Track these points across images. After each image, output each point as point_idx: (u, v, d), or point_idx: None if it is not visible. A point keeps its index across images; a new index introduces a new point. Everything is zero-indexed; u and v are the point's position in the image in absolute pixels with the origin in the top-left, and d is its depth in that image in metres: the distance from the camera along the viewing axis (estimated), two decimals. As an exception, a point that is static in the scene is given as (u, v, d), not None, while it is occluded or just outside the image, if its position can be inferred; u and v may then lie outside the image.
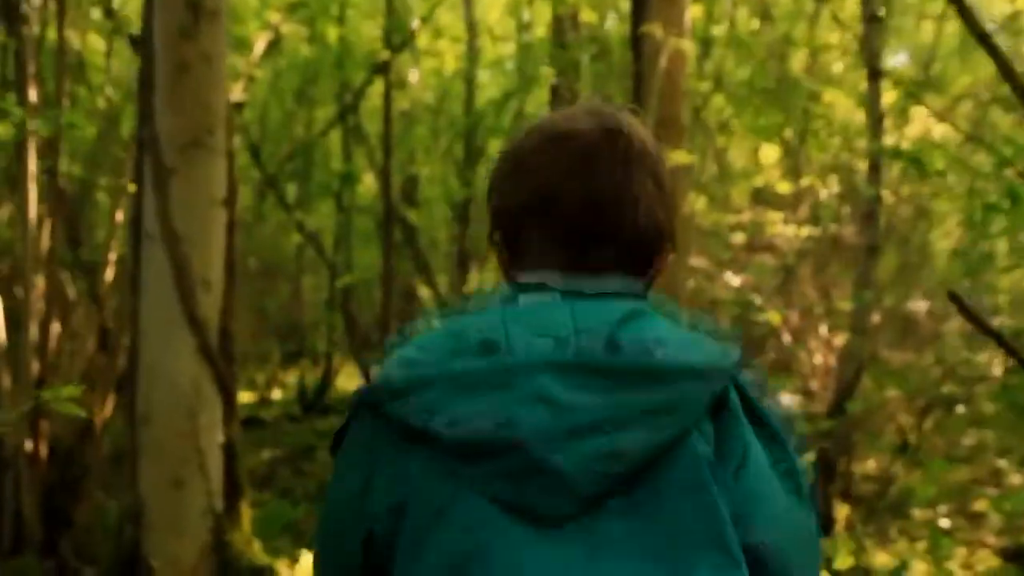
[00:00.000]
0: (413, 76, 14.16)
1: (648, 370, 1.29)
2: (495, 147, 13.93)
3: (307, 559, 6.48)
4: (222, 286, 5.46)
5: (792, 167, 10.12)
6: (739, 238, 10.19)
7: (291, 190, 14.28)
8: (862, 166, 9.74)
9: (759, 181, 10.24)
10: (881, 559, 5.96)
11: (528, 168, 1.47)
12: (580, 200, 1.43)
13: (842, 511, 6.72)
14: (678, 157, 6.70)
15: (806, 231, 9.93)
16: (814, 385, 8.98)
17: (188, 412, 5.25)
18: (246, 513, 5.54)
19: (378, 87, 11.55)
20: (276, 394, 15.36)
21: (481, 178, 12.00)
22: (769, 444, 1.37)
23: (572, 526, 1.25)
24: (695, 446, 1.28)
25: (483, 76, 14.73)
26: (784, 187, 9.88)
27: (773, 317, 9.08)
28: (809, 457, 8.00)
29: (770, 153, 4.87)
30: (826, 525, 6.34)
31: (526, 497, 1.25)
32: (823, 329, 9.28)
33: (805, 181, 9.87)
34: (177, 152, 5.29)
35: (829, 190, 9.99)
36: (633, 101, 9.06)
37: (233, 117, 5.48)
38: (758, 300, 9.36)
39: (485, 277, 13.02)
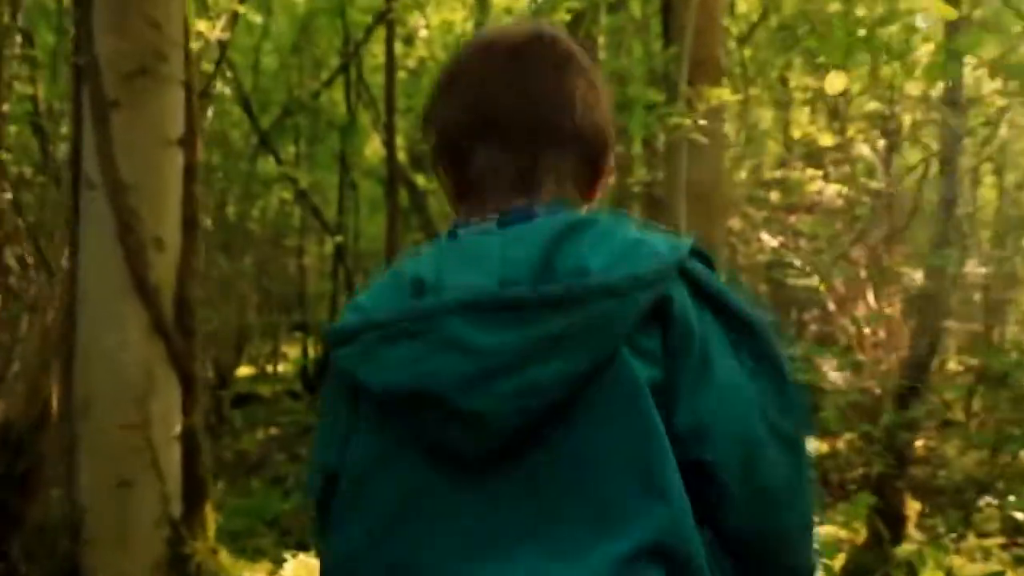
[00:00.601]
0: (422, 33, 13.09)
1: (561, 297, 1.20)
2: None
3: (293, 564, 5.51)
4: (179, 246, 4.45)
5: (833, 118, 9.07)
6: (774, 196, 9.15)
7: (293, 152, 13.39)
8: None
9: (796, 134, 9.18)
10: (971, 571, 4.96)
11: (462, 81, 1.44)
12: (516, 103, 1.39)
13: (913, 507, 5.72)
14: (719, 96, 5.70)
15: (847, 188, 8.91)
16: (862, 358, 7.94)
17: (137, 399, 4.25)
18: (210, 518, 4.52)
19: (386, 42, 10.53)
20: (281, 368, 14.47)
21: None
22: (737, 333, 1.30)
23: (500, 469, 1.23)
24: (628, 369, 1.22)
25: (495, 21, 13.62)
26: (827, 139, 8.82)
27: (816, 283, 8.07)
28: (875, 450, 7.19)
29: (836, 82, 4.03)
30: (898, 526, 5.37)
31: (450, 444, 1.24)
32: (871, 296, 8.24)
33: (850, 133, 8.82)
34: (120, 81, 4.27)
35: (874, 144, 8.89)
36: (664, 40, 8.05)
37: (190, 41, 4.40)
38: (798, 263, 8.32)
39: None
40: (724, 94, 5.61)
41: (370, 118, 12.24)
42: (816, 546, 1.37)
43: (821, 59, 7.24)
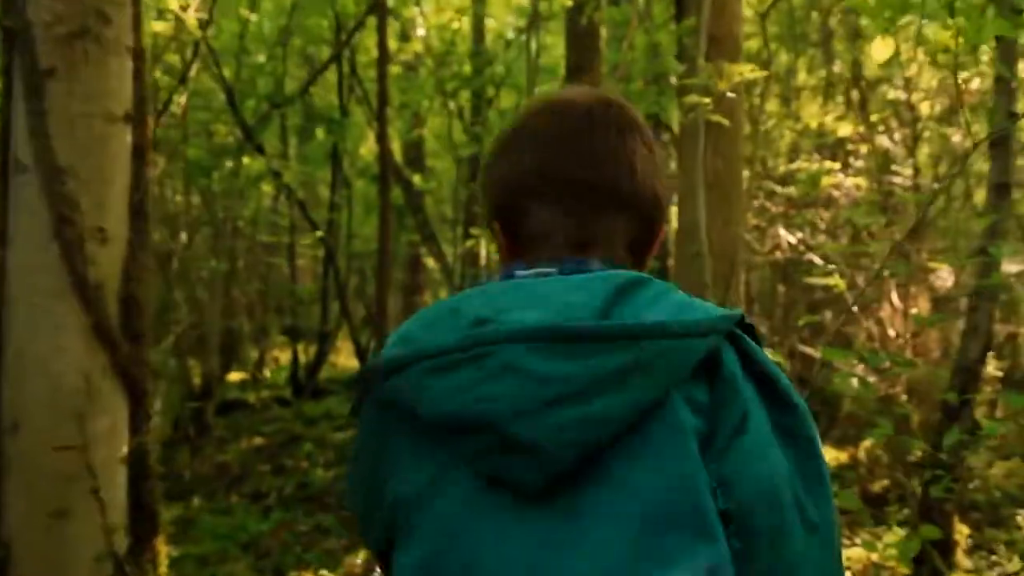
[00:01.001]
0: (419, 31, 12.49)
1: (618, 331, 1.22)
2: (507, 99, 12.51)
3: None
4: (125, 238, 3.81)
5: (848, 105, 8.44)
6: (788, 190, 8.51)
7: (282, 149, 12.75)
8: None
9: (811, 123, 8.54)
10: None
11: (527, 140, 1.49)
12: (579, 163, 1.44)
13: (961, 531, 5.09)
14: (741, 72, 5.08)
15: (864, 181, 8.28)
16: (915, 359, 7.31)
17: (75, 416, 3.61)
18: (161, 553, 3.88)
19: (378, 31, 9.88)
20: (273, 373, 13.87)
21: (491, 131, 10.60)
22: (777, 408, 1.32)
23: (550, 498, 1.23)
24: (676, 413, 1.25)
25: (494, 11, 13.04)
26: (844, 129, 8.19)
27: (836, 281, 7.43)
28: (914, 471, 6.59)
29: (882, 49, 3.49)
30: (947, 553, 4.74)
31: (503, 472, 1.24)
32: (895, 295, 7.60)
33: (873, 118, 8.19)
34: (56, 46, 3.64)
35: (893, 135, 8.24)
36: (676, 14, 7.44)
37: (138, 2, 3.76)
38: (818, 260, 7.68)
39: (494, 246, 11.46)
40: (746, 70, 4.97)
41: (364, 114, 11.62)
42: None
43: (864, 21, 6.60)
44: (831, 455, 8.63)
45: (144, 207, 3.82)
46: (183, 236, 9.00)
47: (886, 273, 7.78)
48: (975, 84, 8.29)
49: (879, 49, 3.89)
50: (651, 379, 1.23)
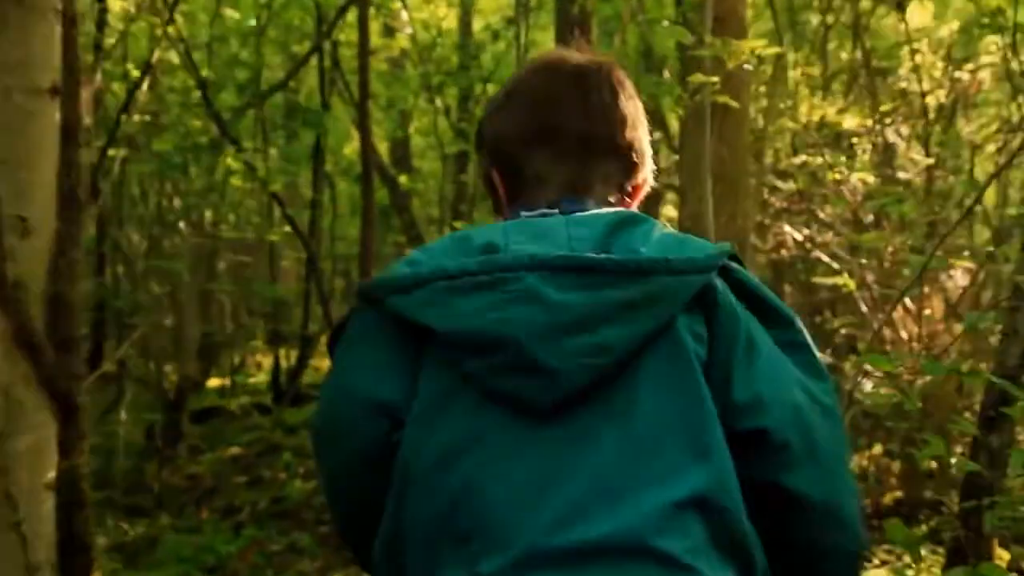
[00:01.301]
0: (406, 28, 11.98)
1: (629, 267, 1.33)
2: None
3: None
4: (52, 230, 3.28)
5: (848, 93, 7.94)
6: (789, 185, 8.00)
7: (264, 147, 12.22)
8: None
9: (814, 114, 8.03)
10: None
11: (527, 94, 1.61)
12: (578, 115, 1.56)
13: (1001, 557, 4.57)
14: (750, 47, 4.59)
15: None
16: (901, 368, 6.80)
17: (-8, 434, 3.08)
18: (97, 593, 3.35)
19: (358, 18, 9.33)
20: (239, 379, 13.36)
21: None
22: (774, 326, 1.44)
23: (560, 417, 1.32)
24: (679, 342, 1.35)
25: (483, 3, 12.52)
26: (848, 122, 7.68)
27: (845, 281, 6.92)
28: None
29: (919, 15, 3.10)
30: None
31: (518, 390, 1.32)
32: (907, 297, 7.09)
33: (866, 119, 7.68)
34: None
35: (899, 126, 7.72)
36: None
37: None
38: (825, 258, 7.18)
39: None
40: (758, 45, 4.48)
41: (349, 114, 11.12)
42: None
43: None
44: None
45: (74, 195, 3.29)
46: (148, 235, 8.46)
47: (899, 274, 7.30)
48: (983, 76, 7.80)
49: (916, 15, 3.41)
50: (654, 311, 1.33)
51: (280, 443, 9.23)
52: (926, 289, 7.63)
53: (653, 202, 18.00)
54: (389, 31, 13.43)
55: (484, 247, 1.40)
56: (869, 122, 7.63)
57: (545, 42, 12.09)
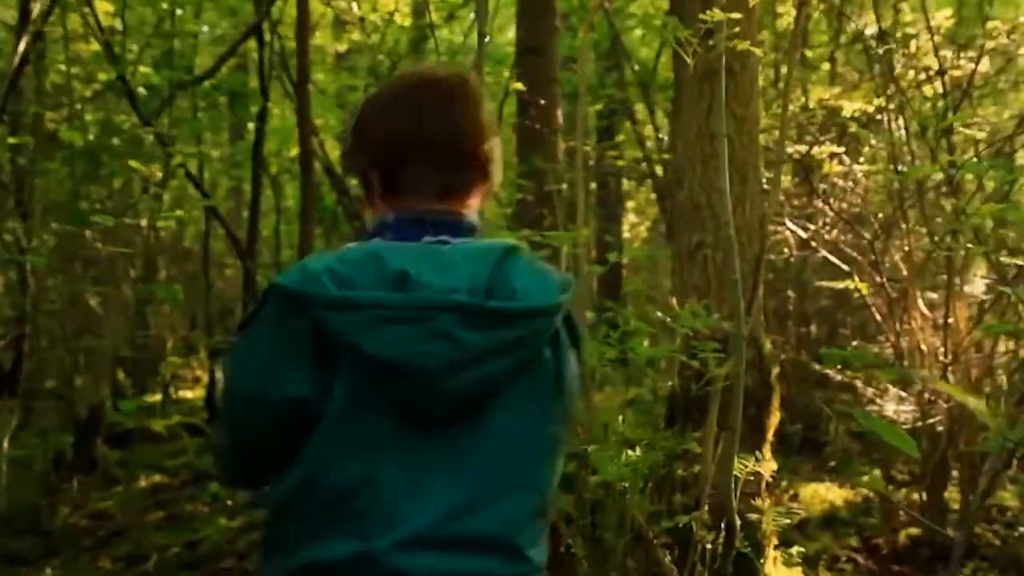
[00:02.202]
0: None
1: (519, 312, 1.64)
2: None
3: None
4: None
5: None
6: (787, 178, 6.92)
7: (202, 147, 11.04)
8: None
9: (812, 96, 6.97)
10: None
11: (403, 105, 1.81)
12: (449, 130, 1.79)
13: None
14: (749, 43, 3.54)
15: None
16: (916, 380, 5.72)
17: None
18: None
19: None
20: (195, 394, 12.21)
21: None
22: (575, 344, 1.80)
23: (448, 430, 1.63)
24: (543, 366, 1.72)
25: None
26: (851, 107, 6.63)
27: (856, 284, 5.85)
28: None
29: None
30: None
31: (420, 407, 1.61)
32: (922, 302, 6.02)
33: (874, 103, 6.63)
34: None
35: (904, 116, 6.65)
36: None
37: None
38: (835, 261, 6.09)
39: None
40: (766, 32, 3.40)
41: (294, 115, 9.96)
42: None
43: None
44: (839, 494, 7.08)
45: None
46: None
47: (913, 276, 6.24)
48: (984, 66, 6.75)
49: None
50: (531, 345, 1.69)
51: (208, 471, 8.04)
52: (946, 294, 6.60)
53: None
54: (340, 23, 12.40)
55: (398, 276, 1.62)
56: (875, 104, 6.57)
57: (507, 29, 11.05)
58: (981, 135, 6.26)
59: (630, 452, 3.54)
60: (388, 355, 1.56)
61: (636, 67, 10.63)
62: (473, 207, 1.84)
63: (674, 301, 3.82)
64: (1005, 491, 6.94)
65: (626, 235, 17.26)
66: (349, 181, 11.69)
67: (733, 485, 3.46)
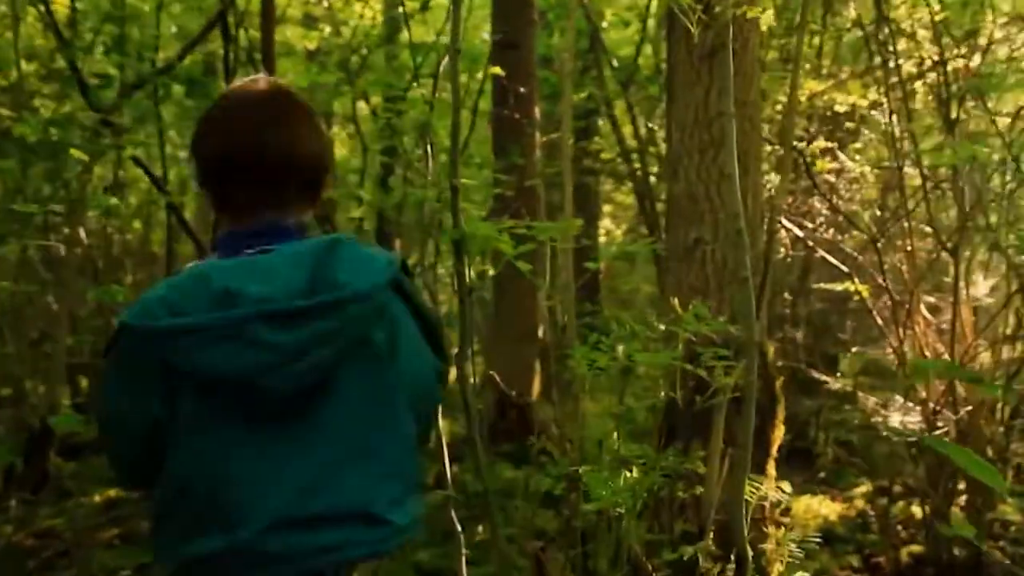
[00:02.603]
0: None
1: (328, 305, 1.78)
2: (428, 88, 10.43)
3: None
4: None
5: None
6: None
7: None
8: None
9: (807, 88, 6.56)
10: None
11: (220, 125, 1.97)
12: (273, 146, 1.93)
13: None
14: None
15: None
16: (921, 389, 5.31)
17: None
18: None
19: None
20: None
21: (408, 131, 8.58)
22: (422, 324, 2.03)
23: (289, 422, 1.81)
24: (371, 346, 1.88)
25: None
26: (849, 97, 6.23)
27: (858, 287, 5.45)
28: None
29: None
30: None
31: (257, 408, 1.79)
32: (924, 306, 5.61)
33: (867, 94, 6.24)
34: None
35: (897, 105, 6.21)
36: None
37: None
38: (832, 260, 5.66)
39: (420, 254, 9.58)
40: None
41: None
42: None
43: None
44: (833, 508, 6.65)
45: None
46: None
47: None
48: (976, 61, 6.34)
49: None
50: (351, 331, 1.83)
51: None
52: (950, 298, 6.19)
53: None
54: (310, 20, 11.93)
55: (222, 293, 1.77)
56: (871, 97, 6.16)
57: (481, 24, 10.60)
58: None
59: (627, 473, 3.09)
60: (217, 370, 1.75)
61: (615, 63, 10.21)
62: (301, 212, 2.00)
63: (675, 302, 3.38)
64: (1006, 504, 6.54)
65: (602, 239, 16.87)
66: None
67: (744, 510, 3.01)
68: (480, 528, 4.73)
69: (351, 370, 1.85)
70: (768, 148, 5.16)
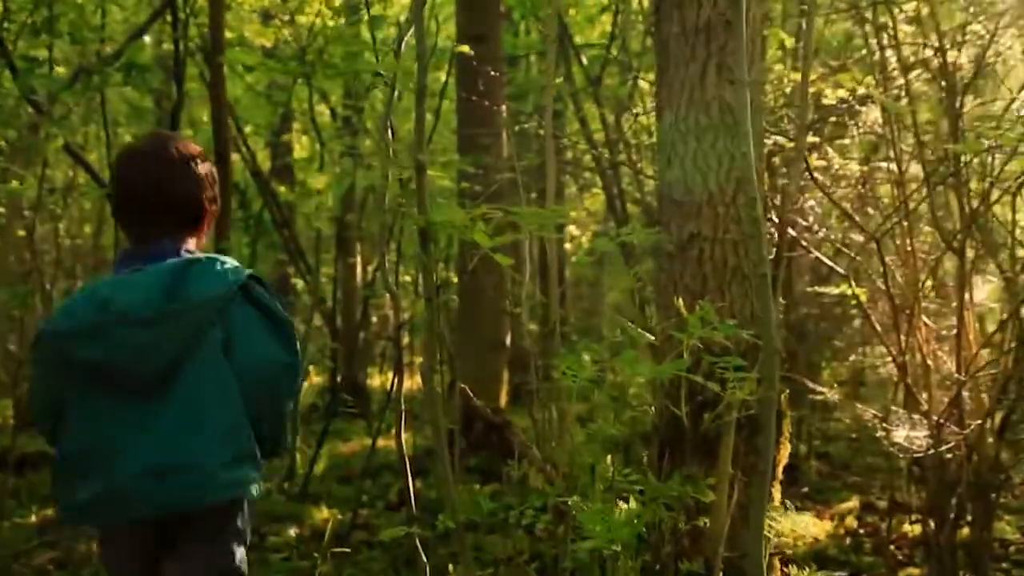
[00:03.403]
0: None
1: (173, 313, 2.48)
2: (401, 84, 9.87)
3: None
4: None
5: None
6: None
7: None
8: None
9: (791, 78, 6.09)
10: None
11: (121, 173, 2.71)
12: (152, 192, 2.62)
13: None
14: None
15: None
16: (923, 401, 4.84)
17: None
18: None
19: None
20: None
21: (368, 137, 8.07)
22: (268, 320, 2.61)
23: (150, 398, 2.47)
24: (211, 340, 2.51)
25: None
26: (840, 89, 5.77)
27: (855, 290, 4.99)
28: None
29: None
30: None
31: (127, 388, 2.47)
32: (925, 315, 5.14)
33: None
34: None
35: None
36: None
37: None
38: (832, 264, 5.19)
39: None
40: None
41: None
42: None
43: None
44: (822, 527, 6.17)
45: None
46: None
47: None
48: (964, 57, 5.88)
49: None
50: (191, 331, 2.49)
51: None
52: (947, 302, 5.73)
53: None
54: (267, 17, 11.38)
55: (102, 302, 2.49)
56: (865, 87, 5.69)
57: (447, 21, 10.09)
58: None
59: (622, 505, 2.58)
60: (94, 360, 2.48)
61: (585, 61, 9.75)
62: (182, 239, 2.66)
63: (680, 303, 2.88)
64: (1003, 522, 6.09)
65: (567, 246, 16.40)
66: (276, 187, 10.72)
67: (764, 548, 2.51)
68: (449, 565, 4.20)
69: (195, 360, 2.51)
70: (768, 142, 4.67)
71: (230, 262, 2.60)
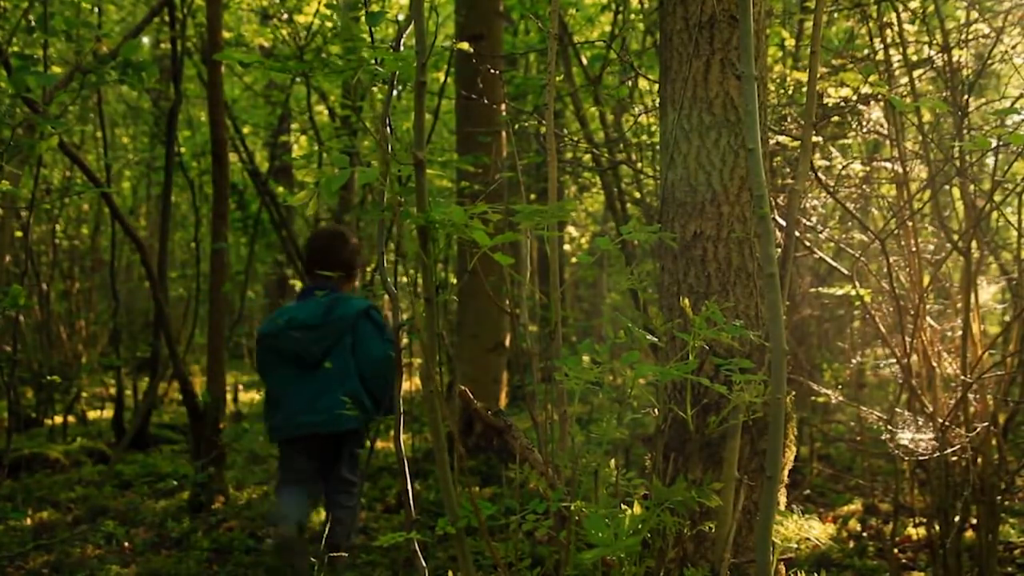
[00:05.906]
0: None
1: (329, 323, 5.01)
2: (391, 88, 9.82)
3: None
4: None
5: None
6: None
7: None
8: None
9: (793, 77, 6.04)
10: None
11: (308, 245, 5.48)
12: (319, 253, 5.25)
13: None
14: None
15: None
16: (928, 404, 4.76)
17: None
18: None
19: None
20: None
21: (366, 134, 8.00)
22: (378, 331, 5.09)
23: (315, 369, 5.01)
24: (346, 341, 5.03)
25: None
26: (842, 87, 5.69)
27: (860, 291, 4.91)
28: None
29: None
30: None
31: (295, 364, 5.03)
32: (929, 316, 5.06)
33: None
34: None
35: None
36: None
37: None
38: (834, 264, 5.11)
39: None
40: None
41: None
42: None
43: None
44: (823, 530, 6.09)
45: None
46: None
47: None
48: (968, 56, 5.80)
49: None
50: (333, 335, 5.02)
51: (108, 505, 6.88)
52: (951, 302, 5.65)
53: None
54: (265, 18, 11.32)
55: (290, 315, 5.05)
56: (871, 84, 5.61)
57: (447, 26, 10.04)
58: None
59: (628, 510, 2.51)
60: (283, 347, 5.00)
61: (585, 61, 9.66)
62: (340, 282, 5.21)
63: (686, 303, 2.81)
64: (1008, 525, 6.02)
65: (567, 247, 16.33)
66: (274, 187, 10.65)
67: (772, 556, 2.44)
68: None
69: (336, 353, 4.94)
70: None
71: (359, 299, 5.07)
